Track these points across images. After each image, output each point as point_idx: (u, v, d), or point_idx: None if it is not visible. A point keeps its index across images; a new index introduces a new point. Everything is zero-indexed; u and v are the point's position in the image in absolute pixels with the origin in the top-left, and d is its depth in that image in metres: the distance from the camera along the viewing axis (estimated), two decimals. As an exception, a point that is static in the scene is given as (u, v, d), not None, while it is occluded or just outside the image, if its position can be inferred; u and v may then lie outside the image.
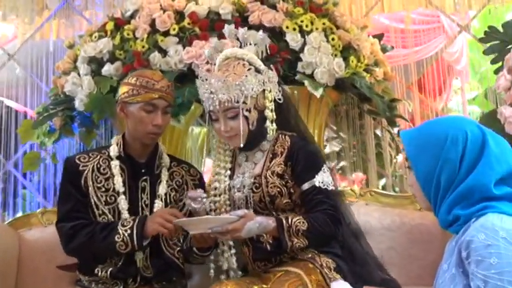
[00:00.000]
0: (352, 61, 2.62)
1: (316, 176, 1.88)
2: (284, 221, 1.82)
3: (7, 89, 5.27)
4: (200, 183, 2.13)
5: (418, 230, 2.38)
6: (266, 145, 1.98)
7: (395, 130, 2.98)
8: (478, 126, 1.38)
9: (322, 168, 1.91)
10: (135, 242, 1.86)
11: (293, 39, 2.57)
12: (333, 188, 1.91)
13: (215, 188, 2.01)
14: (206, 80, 1.93)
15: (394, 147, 3.29)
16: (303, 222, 1.82)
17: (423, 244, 2.35)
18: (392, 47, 3.14)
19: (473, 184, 1.32)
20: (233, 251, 1.97)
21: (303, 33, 2.60)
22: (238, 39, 2.42)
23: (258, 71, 1.94)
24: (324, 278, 1.81)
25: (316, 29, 2.61)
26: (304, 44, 2.57)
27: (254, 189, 1.92)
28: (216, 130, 1.98)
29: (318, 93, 2.51)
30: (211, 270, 1.98)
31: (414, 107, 3.72)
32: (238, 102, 1.88)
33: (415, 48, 4.61)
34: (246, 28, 2.36)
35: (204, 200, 1.90)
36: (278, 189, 1.89)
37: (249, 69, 1.92)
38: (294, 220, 1.82)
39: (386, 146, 3.06)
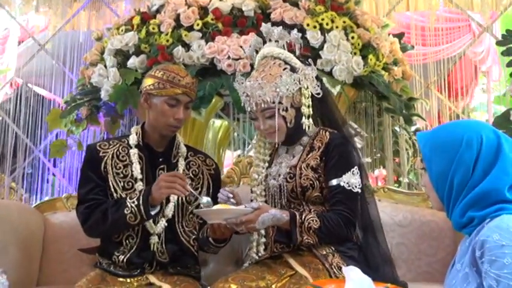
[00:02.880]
0: (371, 59, 2.66)
1: (344, 176, 1.91)
2: (297, 217, 1.86)
3: (38, 77, 5.42)
4: (215, 174, 2.20)
5: (428, 226, 2.40)
6: (306, 140, 2.03)
7: (413, 128, 3.00)
8: (494, 131, 1.41)
9: (352, 170, 1.92)
10: (143, 212, 1.92)
11: (313, 36, 2.63)
12: (359, 190, 1.92)
13: (254, 179, 2.08)
14: (242, 83, 2.00)
15: (411, 145, 3.31)
16: (316, 221, 1.85)
17: (433, 241, 2.38)
18: (413, 46, 3.16)
19: (488, 188, 1.34)
20: (263, 239, 2.02)
21: (323, 31, 2.65)
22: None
23: (293, 70, 1.97)
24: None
25: (337, 27, 2.66)
26: (324, 41, 2.62)
27: (288, 178, 1.97)
28: (256, 127, 2.05)
29: (336, 90, 2.55)
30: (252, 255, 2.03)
31: (432, 106, 3.72)
32: (274, 102, 1.93)
33: (442, 47, 4.59)
34: (281, 27, 2.40)
35: (232, 200, 1.95)
36: (310, 181, 1.93)
37: (284, 69, 1.96)
38: (307, 217, 1.86)
39: (403, 144, 3.08)
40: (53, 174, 4.89)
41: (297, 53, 2.07)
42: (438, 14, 4.21)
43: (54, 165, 4.96)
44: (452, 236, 2.36)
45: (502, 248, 1.23)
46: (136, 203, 1.93)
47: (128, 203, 1.94)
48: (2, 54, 6.59)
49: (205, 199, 1.95)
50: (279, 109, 1.93)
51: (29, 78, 6.13)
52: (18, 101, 5.29)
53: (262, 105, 1.94)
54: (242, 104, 2.05)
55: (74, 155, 4.33)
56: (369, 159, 3.48)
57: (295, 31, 2.07)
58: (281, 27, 2.09)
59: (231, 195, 1.95)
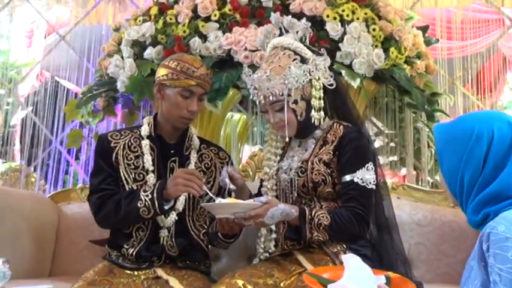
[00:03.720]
0: (393, 52, 2.58)
1: (358, 172, 1.84)
2: (307, 212, 1.80)
3: (63, 70, 5.48)
4: (229, 167, 2.15)
5: (449, 226, 2.32)
6: (319, 133, 1.96)
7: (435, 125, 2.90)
8: (510, 123, 1.33)
9: (367, 165, 1.85)
10: (156, 206, 1.88)
11: (333, 28, 2.55)
12: (373, 186, 1.85)
13: (265, 173, 2.03)
14: (250, 75, 1.94)
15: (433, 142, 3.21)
16: (327, 217, 1.79)
17: (454, 241, 2.30)
18: (438, 40, 3.05)
19: (501, 187, 1.28)
20: (273, 235, 1.96)
21: (344, 22, 2.58)
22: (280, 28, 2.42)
23: (303, 60, 1.91)
24: None
25: (357, 18, 2.58)
26: (344, 33, 2.55)
27: (300, 173, 1.91)
28: (267, 120, 1.99)
29: (355, 83, 2.48)
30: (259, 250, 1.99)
31: (458, 102, 3.60)
32: (282, 95, 1.86)
33: (469, 41, 4.47)
34: (290, 16, 2.35)
35: (231, 186, 1.92)
36: (322, 177, 1.87)
37: (294, 60, 1.89)
38: (317, 213, 1.80)
39: (425, 141, 2.99)
40: (70, 165, 4.93)
41: (307, 42, 1.99)
42: (466, 6, 4.09)
43: (77, 157, 5.00)
44: (474, 237, 2.21)
45: (507, 240, 1.16)
46: (150, 196, 1.89)
47: (141, 196, 1.90)
48: (28, 47, 6.69)
49: (220, 200, 1.90)
50: (288, 102, 1.87)
51: (55, 72, 6.22)
52: (44, 94, 5.35)
53: (271, 98, 1.88)
54: (251, 97, 1.98)
55: (93, 146, 4.34)
56: (395, 158, 3.39)
57: (304, 20, 2.00)
58: (290, 16, 2.02)
59: (233, 174, 1.94)
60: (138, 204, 1.89)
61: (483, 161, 1.30)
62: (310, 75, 1.89)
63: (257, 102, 1.95)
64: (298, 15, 2.51)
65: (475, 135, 1.31)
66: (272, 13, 2.01)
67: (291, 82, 1.86)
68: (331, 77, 1.92)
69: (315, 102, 1.88)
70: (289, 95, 1.87)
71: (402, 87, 2.64)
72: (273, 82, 1.86)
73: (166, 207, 1.92)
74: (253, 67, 2.41)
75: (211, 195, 1.91)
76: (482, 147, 1.30)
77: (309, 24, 2.00)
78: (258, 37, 2.40)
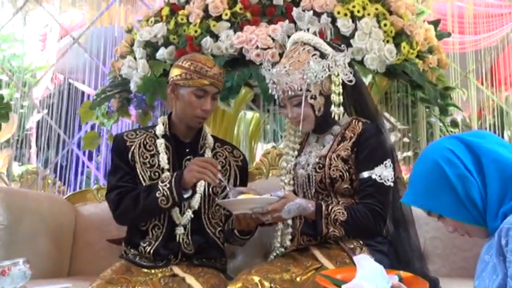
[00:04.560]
0: (404, 47, 2.58)
1: (376, 168, 1.84)
2: (324, 208, 1.81)
3: (78, 73, 5.54)
4: (243, 165, 2.17)
5: (464, 220, 2.31)
6: (337, 129, 1.97)
7: (449, 119, 2.89)
8: (450, 137, 1.38)
9: (385, 162, 1.85)
10: (175, 194, 1.91)
11: (344, 25, 2.56)
12: (391, 184, 1.85)
13: (283, 168, 2.04)
14: (269, 70, 1.95)
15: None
16: (343, 213, 1.80)
17: (469, 235, 2.29)
18: (449, 34, 3.04)
19: (504, 185, 1.28)
20: (289, 229, 1.97)
21: (355, 18, 2.58)
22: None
23: (322, 56, 1.91)
24: None
25: (368, 14, 2.58)
26: (355, 29, 2.55)
27: (317, 169, 1.91)
28: (284, 115, 2.00)
29: (367, 79, 2.48)
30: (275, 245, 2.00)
31: (471, 96, 3.58)
32: (301, 90, 1.87)
33: (481, 35, 4.43)
34: (311, 11, 2.34)
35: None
36: (340, 173, 1.87)
37: (313, 55, 1.90)
38: (334, 209, 1.81)
39: (437, 136, 2.97)
40: (87, 167, 4.98)
41: (328, 38, 2.00)
42: (477, 1, 4.06)
43: (91, 159, 5.05)
44: (490, 231, 2.25)
45: None
46: (168, 185, 1.92)
47: (159, 187, 1.93)
48: (42, 51, 6.75)
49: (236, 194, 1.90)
50: (306, 97, 1.87)
51: (69, 74, 6.28)
52: (59, 97, 5.41)
53: (289, 93, 1.89)
54: (270, 91, 1.99)
55: (109, 147, 4.38)
56: (410, 153, 3.38)
57: (325, 15, 2.00)
58: (311, 12, 2.03)
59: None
60: (157, 195, 1.92)
61: (468, 172, 1.31)
62: (329, 70, 1.89)
63: (276, 97, 1.96)
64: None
65: (442, 162, 1.33)
66: (294, 8, 2.01)
67: (309, 77, 1.87)
68: (351, 73, 1.92)
69: (334, 98, 1.89)
70: (307, 90, 1.88)
71: (414, 82, 2.64)
72: (292, 77, 1.87)
73: (185, 196, 1.94)
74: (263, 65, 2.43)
75: (225, 183, 1.93)
76: (456, 163, 1.32)
77: (330, 20, 2.00)
78: (275, 36, 2.42)
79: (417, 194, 1.39)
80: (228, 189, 1.92)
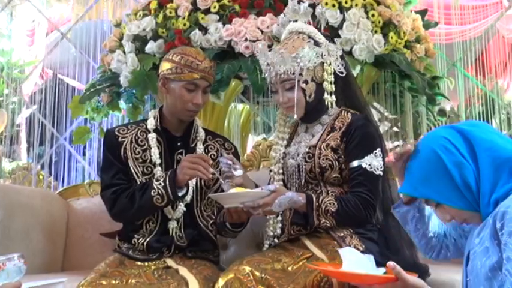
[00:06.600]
0: (392, 37, 2.59)
1: (366, 157, 1.87)
2: (314, 199, 1.84)
3: (65, 68, 5.50)
4: (235, 157, 2.18)
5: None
6: (326, 119, 2.00)
7: (436, 109, 2.91)
8: (446, 127, 1.43)
9: (375, 152, 1.88)
10: (170, 193, 1.92)
11: (332, 16, 2.56)
12: (381, 173, 1.88)
13: (272, 158, 2.07)
14: (264, 53, 1.98)
15: (436, 126, 3.21)
16: (334, 204, 1.83)
17: (458, 222, 2.31)
18: (437, 23, 3.06)
19: (495, 169, 1.31)
20: (279, 218, 2.02)
21: (342, 9, 2.58)
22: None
23: (316, 44, 1.95)
24: None
25: (356, 5, 2.59)
26: (343, 20, 2.56)
27: (307, 158, 1.94)
28: (276, 101, 2.03)
29: (356, 70, 2.50)
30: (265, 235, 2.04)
31: (458, 85, 3.60)
32: (294, 73, 1.91)
33: (468, 26, 4.46)
34: (307, 3, 2.35)
35: (235, 166, 1.94)
36: (329, 162, 1.90)
37: (308, 42, 1.94)
38: (324, 200, 1.84)
39: (424, 125, 3.00)
40: (78, 162, 4.97)
41: (322, 28, 2.03)
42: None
43: (84, 153, 5.04)
44: (478, 217, 2.28)
45: None
46: (163, 184, 1.93)
47: (154, 185, 1.94)
48: (30, 46, 6.71)
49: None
50: (298, 81, 1.91)
51: (57, 69, 6.25)
52: (48, 91, 5.38)
53: (282, 76, 1.92)
54: (263, 74, 2.03)
55: (101, 142, 4.37)
56: (400, 142, 3.40)
57: (319, 6, 2.02)
58: (306, 3, 2.06)
59: (230, 162, 1.94)
60: (152, 193, 1.93)
61: (465, 159, 1.34)
62: (322, 58, 1.93)
63: (268, 80, 1.99)
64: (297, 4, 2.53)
65: (439, 150, 1.36)
66: (289, 0, 2.03)
67: (303, 61, 1.90)
68: (343, 65, 1.96)
69: (327, 86, 1.92)
70: (300, 74, 1.91)
71: (403, 71, 2.66)
72: (286, 60, 1.91)
73: (180, 194, 1.95)
74: (254, 58, 2.44)
75: (218, 176, 1.94)
76: (452, 150, 1.35)
77: (324, 9, 2.01)
78: (263, 28, 2.44)
79: (415, 183, 1.41)
80: (220, 181, 1.94)
